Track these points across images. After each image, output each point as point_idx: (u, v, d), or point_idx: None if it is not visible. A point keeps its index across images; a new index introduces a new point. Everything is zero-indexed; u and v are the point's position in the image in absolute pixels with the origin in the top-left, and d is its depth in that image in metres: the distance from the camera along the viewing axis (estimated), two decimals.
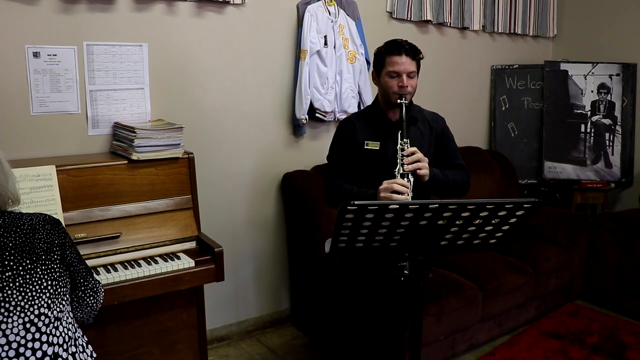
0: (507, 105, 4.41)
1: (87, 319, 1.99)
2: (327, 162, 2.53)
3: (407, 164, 2.17)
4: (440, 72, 4.07)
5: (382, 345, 2.51)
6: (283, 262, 3.54)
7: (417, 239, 1.69)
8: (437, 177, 2.30)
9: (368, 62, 3.54)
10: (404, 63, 2.32)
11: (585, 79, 4.26)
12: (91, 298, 1.94)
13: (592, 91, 4.26)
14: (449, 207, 1.53)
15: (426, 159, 2.24)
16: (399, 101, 2.30)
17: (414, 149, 2.21)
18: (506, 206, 1.57)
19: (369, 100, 3.53)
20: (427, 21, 3.82)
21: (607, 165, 4.25)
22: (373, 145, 2.37)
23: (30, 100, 2.61)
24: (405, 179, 2.15)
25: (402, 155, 2.19)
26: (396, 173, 2.17)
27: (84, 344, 1.83)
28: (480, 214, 1.59)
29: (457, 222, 1.62)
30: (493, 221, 1.64)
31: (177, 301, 2.73)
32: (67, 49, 2.66)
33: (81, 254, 2.35)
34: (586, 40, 4.50)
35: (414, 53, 2.35)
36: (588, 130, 4.27)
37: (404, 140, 2.22)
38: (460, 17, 3.96)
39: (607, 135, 4.25)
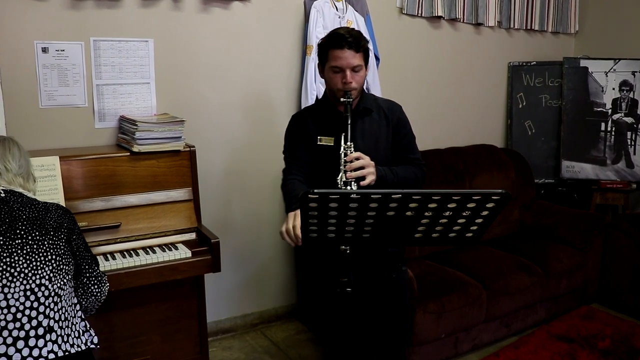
0: (524, 103, 4.32)
1: (91, 309, 2.08)
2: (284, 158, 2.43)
3: (350, 171, 2.04)
4: (454, 69, 4.03)
5: (383, 343, 2.48)
6: (289, 256, 3.56)
7: (388, 230, 1.68)
8: (385, 178, 2.16)
9: (377, 58, 3.53)
10: (347, 57, 2.14)
11: (607, 76, 4.13)
12: (95, 286, 2.02)
13: (613, 88, 4.13)
14: (413, 197, 1.52)
15: (372, 164, 2.10)
16: (342, 99, 2.16)
17: (358, 154, 2.08)
18: (473, 197, 1.54)
19: (377, 95, 3.52)
20: (439, 17, 3.78)
21: (629, 165, 4.12)
22: (327, 141, 2.23)
23: (39, 93, 2.71)
24: (349, 187, 2.02)
25: (345, 162, 2.05)
26: (339, 181, 2.04)
27: (80, 331, 1.90)
28: (448, 206, 1.57)
29: (426, 214, 1.61)
30: (464, 213, 1.62)
31: (179, 291, 2.78)
32: (75, 45, 2.75)
33: None
34: (609, 36, 4.36)
35: (357, 45, 2.16)
36: (608, 128, 4.15)
37: (348, 144, 2.08)
38: (474, 12, 3.90)
39: (629, 134, 4.11)
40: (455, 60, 4.02)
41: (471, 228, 1.72)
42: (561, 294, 3.53)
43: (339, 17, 3.33)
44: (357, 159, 2.07)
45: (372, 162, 2.11)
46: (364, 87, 3.49)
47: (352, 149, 2.09)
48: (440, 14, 3.72)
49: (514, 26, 4.16)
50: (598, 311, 3.65)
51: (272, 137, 3.36)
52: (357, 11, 3.41)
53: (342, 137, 2.10)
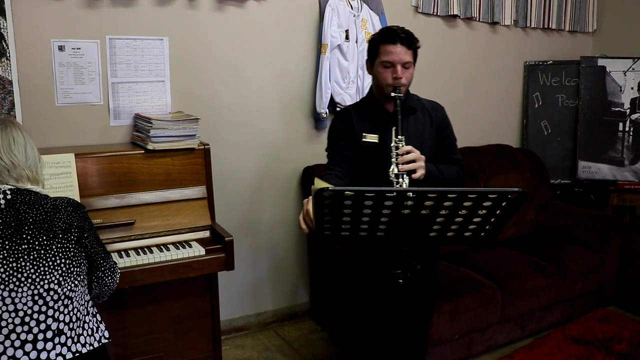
0: (540, 103, 4.28)
1: (103, 297, 2.08)
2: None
3: (402, 164, 2.04)
4: (469, 68, 4.00)
5: (401, 345, 2.46)
6: (303, 256, 3.56)
7: (403, 229, 1.67)
8: (432, 174, 2.17)
9: None
10: (399, 53, 2.14)
11: (625, 75, 4.08)
12: (109, 278, 2.02)
13: (632, 88, 4.07)
14: (429, 195, 1.50)
15: (422, 158, 2.11)
16: (392, 94, 2.16)
17: (410, 147, 2.08)
18: (489, 196, 1.52)
19: None
20: (455, 16, 3.75)
21: None
22: (371, 138, 2.22)
23: (55, 91, 2.73)
24: (401, 179, 2.03)
25: (397, 154, 2.05)
26: (390, 173, 2.04)
27: (94, 328, 1.90)
28: (464, 204, 1.55)
29: (442, 213, 1.59)
30: (480, 212, 1.60)
31: (192, 289, 2.79)
32: (91, 43, 2.77)
33: None
34: (628, 35, 4.30)
35: (410, 42, 2.17)
36: (626, 129, 4.09)
37: (399, 137, 2.08)
38: (490, 11, 3.87)
39: None
40: (471, 59, 3.99)
41: (487, 227, 1.70)
42: (577, 295, 3.49)
43: (354, 16, 3.32)
44: (409, 152, 2.07)
45: (423, 157, 2.12)
46: None
47: (404, 143, 2.09)
48: (455, 12, 3.69)
49: (530, 25, 4.12)
50: (615, 314, 3.60)
51: (287, 135, 3.36)
52: (372, 10, 3.40)
53: (393, 131, 2.11)
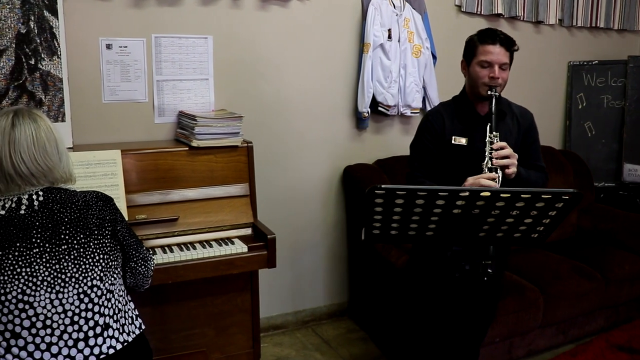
0: (584, 104, 4.19)
1: (141, 285, 2.08)
2: (410, 151, 2.41)
3: (497, 158, 2.08)
4: (512, 68, 3.92)
5: (456, 347, 2.44)
6: (342, 255, 3.55)
7: (453, 228, 1.65)
8: (521, 176, 2.19)
9: (434, 57, 3.49)
10: (498, 53, 2.20)
11: None
12: (142, 267, 2.02)
13: None
14: (481, 195, 1.49)
15: (515, 155, 2.13)
16: (489, 93, 2.20)
17: (504, 143, 2.11)
18: (543, 196, 1.50)
19: (434, 95, 3.47)
20: (499, 15, 3.70)
21: None
22: (460, 141, 2.27)
23: (102, 89, 2.79)
24: (494, 173, 2.07)
25: (492, 149, 2.10)
26: (484, 167, 2.08)
27: (134, 316, 1.93)
28: (516, 204, 1.53)
29: (493, 213, 1.57)
30: (532, 213, 1.58)
31: (232, 286, 2.81)
32: (137, 41, 2.82)
33: (141, 234, 2.52)
34: None
35: (509, 44, 2.24)
36: None
37: (494, 133, 2.13)
38: (534, 10, 3.80)
39: None
40: (514, 59, 3.91)
41: (537, 229, 1.68)
42: (622, 302, 3.40)
43: (397, 15, 3.30)
44: (503, 147, 2.12)
45: (516, 155, 2.15)
46: (422, 86, 3.48)
47: (498, 138, 2.14)
48: (500, 11, 3.64)
49: (576, 24, 4.03)
50: None
51: (329, 134, 3.37)
52: (414, 9, 3.37)
53: (488, 127, 2.16)
